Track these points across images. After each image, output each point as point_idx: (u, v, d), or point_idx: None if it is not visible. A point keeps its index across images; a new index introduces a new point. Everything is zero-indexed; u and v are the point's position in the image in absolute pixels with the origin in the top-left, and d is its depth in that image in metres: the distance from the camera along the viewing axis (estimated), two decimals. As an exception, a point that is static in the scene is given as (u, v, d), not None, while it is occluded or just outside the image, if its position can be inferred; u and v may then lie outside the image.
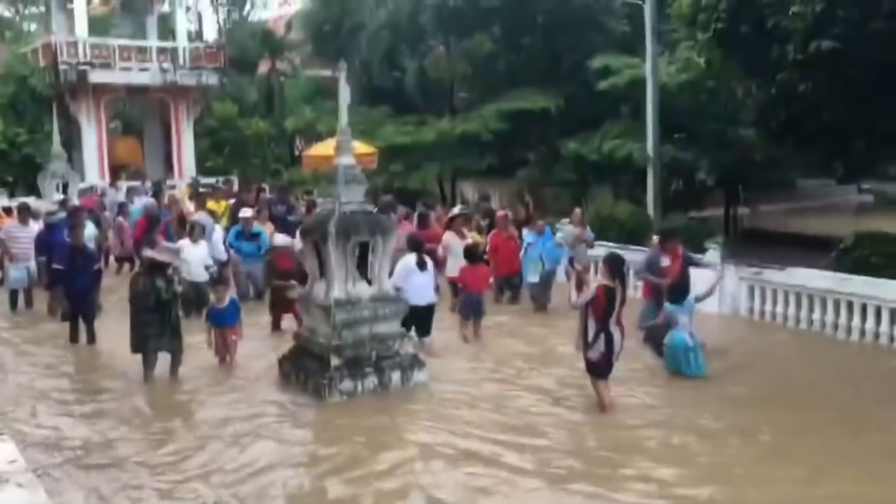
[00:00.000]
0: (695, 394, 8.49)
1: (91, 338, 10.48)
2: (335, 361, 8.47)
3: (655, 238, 10.60)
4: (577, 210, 14.08)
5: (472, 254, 11.26)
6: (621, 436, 7.42)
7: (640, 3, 18.91)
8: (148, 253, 9.51)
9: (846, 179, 28.75)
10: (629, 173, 20.06)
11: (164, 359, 9.00)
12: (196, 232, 12.00)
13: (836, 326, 10.84)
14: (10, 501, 2.56)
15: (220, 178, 25.74)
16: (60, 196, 18.32)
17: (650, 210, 18.22)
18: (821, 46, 11.63)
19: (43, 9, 37.97)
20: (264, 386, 8.90)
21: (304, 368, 8.75)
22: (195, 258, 11.65)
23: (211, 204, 16.23)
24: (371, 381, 8.55)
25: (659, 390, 8.64)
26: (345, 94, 9.35)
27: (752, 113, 16.99)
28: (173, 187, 22.17)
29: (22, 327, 11.83)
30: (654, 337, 9.49)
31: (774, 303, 11.63)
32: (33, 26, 47.42)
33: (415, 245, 10.41)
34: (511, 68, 26.37)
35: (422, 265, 9.98)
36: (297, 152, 36.69)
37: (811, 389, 8.71)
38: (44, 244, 12.11)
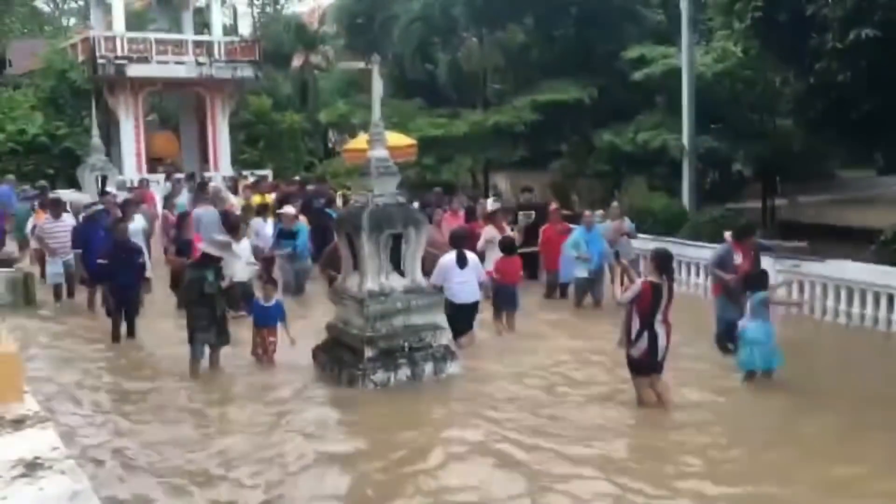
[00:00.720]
0: (747, 394, 8.31)
1: (131, 332, 10.45)
2: (369, 353, 8.53)
3: (728, 234, 10.13)
4: (615, 203, 13.78)
5: (507, 246, 11.13)
6: (660, 435, 7.31)
7: (675, -9, 18.68)
8: (202, 246, 9.56)
9: (887, 170, 28.13)
10: (664, 164, 19.83)
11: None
12: (240, 231, 11.63)
13: (875, 320, 10.65)
14: (53, 488, 2.61)
15: (248, 172, 25.87)
16: (111, 190, 18.30)
17: (685, 201, 18.02)
18: (861, 34, 11.41)
19: (81, 3, 38.58)
20: (300, 377, 8.98)
21: (338, 359, 8.82)
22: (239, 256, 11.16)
23: (257, 198, 16.13)
24: (404, 372, 8.59)
25: (712, 391, 8.40)
26: (378, 86, 9.37)
27: (790, 103, 16.73)
28: (210, 180, 22.21)
29: (61, 322, 11.83)
30: (724, 336, 9.34)
31: (813, 295, 11.45)
32: (72, 21, 48.25)
33: (456, 241, 10.19)
34: (544, 59, 26.21)
35: (461, 262, 9.77)
36: (330, 145, 36.93)
37: (860, 385, 8.50)
38: (80, 237, 12.09)
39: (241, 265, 10.95)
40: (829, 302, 11.20)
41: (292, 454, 6.77)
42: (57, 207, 13.23)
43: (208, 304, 8.82)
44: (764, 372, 8.37)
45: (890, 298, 10.45)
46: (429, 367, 8.74)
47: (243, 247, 11.40)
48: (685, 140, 18.09)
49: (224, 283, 9.03)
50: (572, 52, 25.23)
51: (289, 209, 13.58)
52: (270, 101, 31.41)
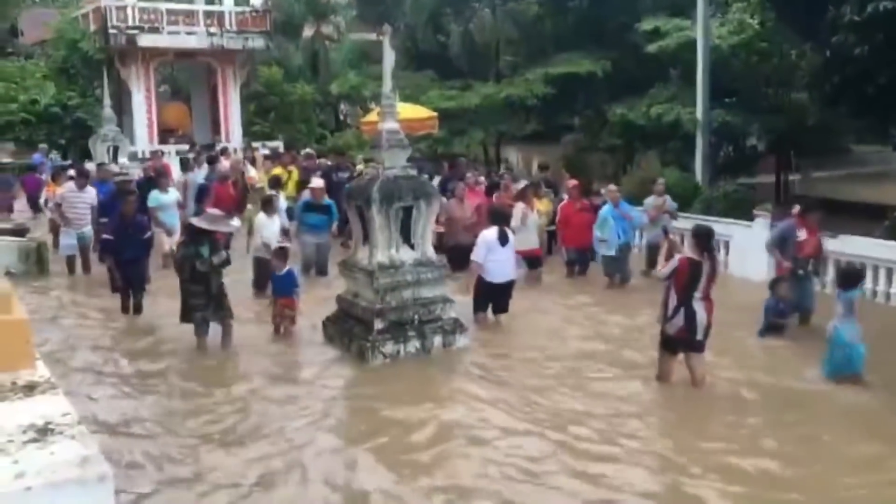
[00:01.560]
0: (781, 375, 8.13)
1: (138, 308, 10.33)
2: (378, 325, 8.57)
3: (796, 208, 9.78)
4: (660, 180, 13.48)
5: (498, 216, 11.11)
6: (683, 416, 7.24)
7: (691, -37, 18.40)
8: (192, 220, 9.36)
9: (904, 146, 27.80)
10: (677, 138, 19.66)
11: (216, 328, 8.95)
12: (271, 206, 11.20)
13: (887, 296, 10.60)
14: (63, 453, 2.64)
15: (258, 144, 25.83)
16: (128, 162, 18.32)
17: (698, 176, 17.90)
18: (879, 7, 11.26)
19: (93, -27, 38.33)
20: (308, 348, 9.04)
21: (348, 331, 8.86)
22: (271, 234, 10.81)
23: (277, 170, 15.85)
24: (413, 344, 8.64)
25: (748, 368, 8.24)
26: (389, 58, 9.30)
27: (806, 76, 16.58)
28: (233, 150, 21.90)
29: (73, 292, 11.85)
30: (767, 309, 9.27)
31: (826, 272, 11.38)
32: (84, -9, 47.96)
33: (498, 217, 10.00)
34: (557, 32, 25.95)
35: (503, 239, 9.64)
36: (341, 117, 36.82)
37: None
38: (107, 210, 11.83)
39: (271, 242, 10.58)
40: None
41: (294, 428, 6.83)
42: (83, 178, 13.18)
43: (203, 281, 8.66)
44: (853, 375, 7.77)
45: (838, 268, 10.39)
46: (438, 340, 8.78)
47: (275, 223, 11.09)
48: (699, 114, 17.92)
49: (218, 259, 8.76)
50: (586, 24, 24.96)
51: (317, 181, 13.23)
52: (281, 72, 31.30)
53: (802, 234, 9.35)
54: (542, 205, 13.24)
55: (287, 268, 9.64)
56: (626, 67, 22.79)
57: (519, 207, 11.99)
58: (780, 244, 9.49)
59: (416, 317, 8.78)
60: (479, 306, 9.81)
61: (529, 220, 11.95)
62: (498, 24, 26.34)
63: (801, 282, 9.43)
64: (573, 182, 13.39)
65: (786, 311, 9.34)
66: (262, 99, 30.64)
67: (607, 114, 22.13)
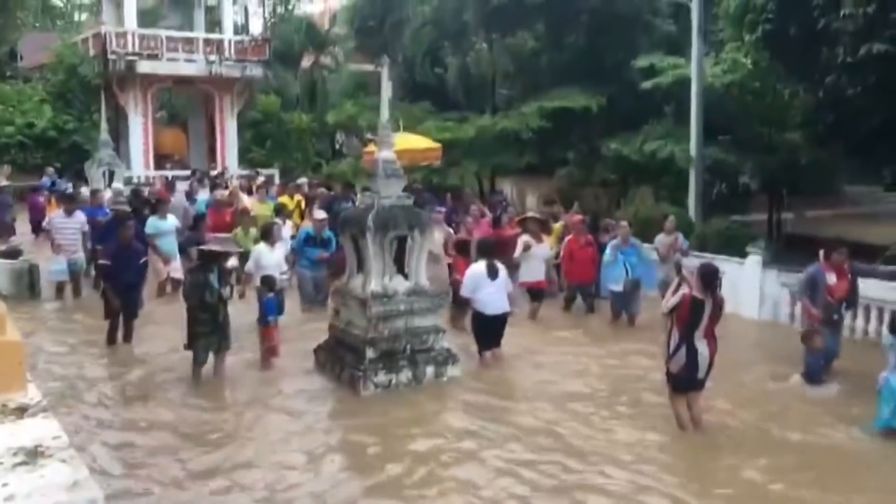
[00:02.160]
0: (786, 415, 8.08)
1: (128, 334, 10.09)
2: (370, 354, 8.53)
3: (822, 252, 9.34)
4: (671, 217, 13.22)
5: (462, 248, 11.10)
6: (684, 458, 7.10)
7: (686, 2, 18.68)
8: (203, 246, 9.15)
9: (894, 186, 28.05)
10: (671, 175, 19.78)
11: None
12: (273, 235, 10.71)
13: (879, 333, 10.60)
14: (53, 476, 2.62)
15: (252, 171, 25.89)
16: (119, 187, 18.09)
17: (691, 212, 17.99)
18: (872, 49, 11.40)
19: (94, -1, 38.71)
20: (300, 377, 8.98)
21: (340, 360, 8.82)
22: (272, 264, 10.34)
23: (283, 199, 15.50)
24: (405, 374, 8.60)
25: (761, 410, 8.14)
26: (387, 89, 9.42)
27: (799, 116, 16.74)
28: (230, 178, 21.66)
29: (63, 317, 11.68)
30: (813, 367, 8.98)
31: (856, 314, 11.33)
32: (84, 16, 48.41)
33: (485, 250, 9.90)
34: (553, 66, 26.21)
35: (493, 273, 9.47)
36: (337, 146, 36.98)
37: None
38: (103, 234, 11.64)
39: (273, 272, 10.14)
40: (835, 315, 11.12)
41: (284, 458, 6.79)
42: (70, 203, 12.91)
43: (210, 310, 8.57)
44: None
45: (893, 314, 10.40)
46: (430, 370, 8.74)
47: (278, 253, 10.69)
48: (693, 151, 18.06)
49: (226, 294, 8.69)
50: (582, 59, 25.23)
51: (319, 213, 12.68)
52: (279, 101, 31.49)
53: (832, 279, 9.08)
54: (551, 239, 13.00)
55: (270, 295, 9.40)
56: (620, 103, 22.99)
57: (521, 239, 11.83)
58: (810, 290, 9.16)
59: (409, 346, 8.75)
60: (482, 344, 9.59)
61: (532, 252, 11.71)
62: (494, 58, 26.63)
63: (835, 327, 9.20)
64: (578, 217, 13.21)
65: (825, 362, 9.08)
66: (259, 126, 30.79)
67: (602, 148, 22.27)
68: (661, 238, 12.53)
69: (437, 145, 20.71)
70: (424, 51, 28.79)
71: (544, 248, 12.12)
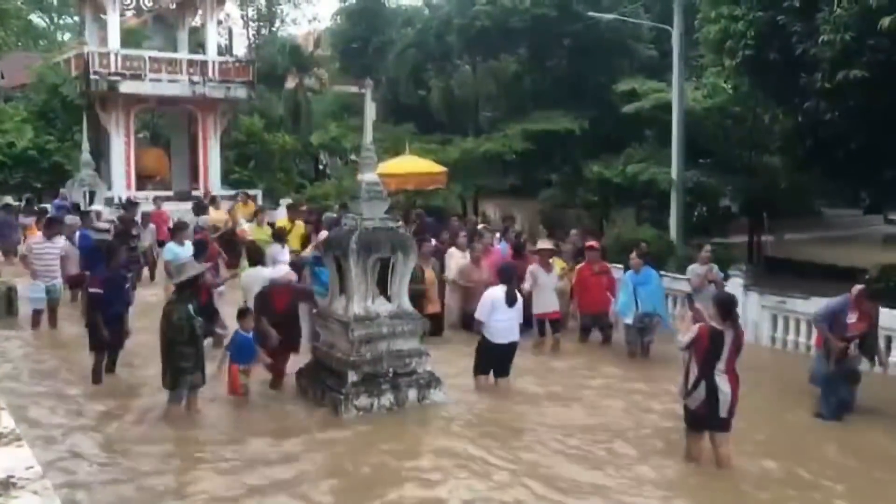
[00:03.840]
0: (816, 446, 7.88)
1: (112, 366, 9.55)
2: (352, 377, 8.46)
3: (855, 289, 8.94)
4: (707, 247, 12.71)
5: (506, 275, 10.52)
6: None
7: (667, 28, 18.91)
8: (174, 281, 8.62)
9: (873, 209, 28.38)
10: (652, 197, 19.96)
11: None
12: (262, 259, 10.53)
13: (859, 358, 10.65)
14: (25, 508, 2.56)
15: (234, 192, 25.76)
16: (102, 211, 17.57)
17: (673, 234, 18.11)
18: (849, 75, 11.56)
19: (77, 19, 38.65)
20: (281, 401, 8.89)
21: (322, 383, 8.74)
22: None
23: (282, 222, 15.15)
24: (387, 398, 8.52)
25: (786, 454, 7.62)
26: (370, 110, 9.38)
27: (778, 140, 16.93)
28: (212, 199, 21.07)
29: (41, 344, 11.11)
30: (830, 394, 8.64)
31: (798, 332, 11.48)
32: (67, 36, 48.31)
33: (508, 277, 9.44)
34: (536, 89, 26.48)
35: (511, 300, 9.15)
36: (321, 167, 37.00)
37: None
38: (91, 261, 11.20)
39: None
40: (814, 339, 11.20)
41: (264, 482, 6.69)
42: (51, 227, 12.12)
43: (195, 343, 8.09)
44: None
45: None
46: (412, 394, 8.67)
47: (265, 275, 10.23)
48: (674, 174, 18.22)
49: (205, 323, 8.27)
50: (564, 83, 25.50)
51: (324, 234, 11.87)
52: (263, 122, 31.47)
53: (853, 318, 8.67)
54: (559, 265, 12.34)
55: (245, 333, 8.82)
56: (603, 126, 23.22)
57: (531, 268, 11.32)
58: (827, 321, 8.82)
59: (391, 370, 8.69)
60: (479, 368, 9.31)
61: (542, 281, 11.21)
62: (478, 81, 26.84)
63: (853, 376, 8.83)
64: (592, 243, 12.49)
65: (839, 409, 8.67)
66: (243, 147, 30.73)
67: (584, 171, 22.43)
68: (694, 268, 11.83)
69: (443, 169, 20.64)
70: (408, 73, 28.96)
71: (553, 278, 11.52)
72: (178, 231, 12.52)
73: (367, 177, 9.11)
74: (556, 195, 24.76)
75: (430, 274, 11.69)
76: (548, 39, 25.47)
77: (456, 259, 12.53)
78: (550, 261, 11.57)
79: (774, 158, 19.73)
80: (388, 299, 8.91)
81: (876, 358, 9.20)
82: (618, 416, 8.59)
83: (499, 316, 9.12)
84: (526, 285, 10.96)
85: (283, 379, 9.23)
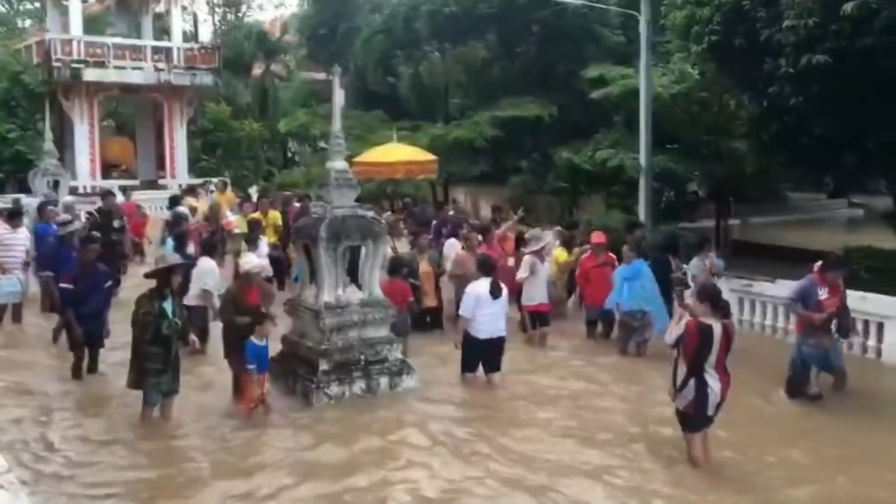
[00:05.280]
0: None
1: (93, 365, 9.21)
2: (324, 366, 8.45)
3: (816, 265, 8.87)
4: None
5: (393, 268, 10.02)
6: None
7: (635, 14, 18.98)
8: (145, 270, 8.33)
9: (837, 193, 28.93)
10: (621, 183, 20.08)
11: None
12: (214, 249, 10.24)
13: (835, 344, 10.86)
14: (-8, 502, 2.53)
15: (202, 180, 25.51)
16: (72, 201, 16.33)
17: (641, 220, 18.24)
18: (813, 60, 11.69)
19: (38, 5, 37.89)
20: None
21: (293, 372, 8.72)
22: (215, 282, 9.85)
23: (255, 215, 14.49)
24: (359, 385, 8.53)
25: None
26: (339, 97, 9.35)
27: (745, 125, 17.09)
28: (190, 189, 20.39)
29: (16, 352, 10.41)
30: (799, 379, 8.56)
31: (764, 315, 11.63)
32: (28, 23, 47.30)
33: (487, 268, 9.16)
34: (505, 76, 26.47)
35: (495, 293, 8.86)
36: (290, 155, 36.74)
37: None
38: (52, 258, 10.73)
39: (217, 287, 9.78)
40: (780, 321, 11.39)
41: (241, 471, 6.69)
42: (15, 217, 11.61)
43: (164, 344, 7.55)
44: None
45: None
46: (384, 381, 8.68)
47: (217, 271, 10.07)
48: (642, 160, 18.32)
49: (181, 323, 7.71)
50: (533, 69, 25.52)
51: None
52: (229, 109, 31.16)
53: (824, 293, 8.59)
54: (562, 256, 12.10)
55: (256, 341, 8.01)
56: (572, 112, 23.29)
57: (527, 258, 10.91)
58: (801, 302, 8.74)
59: (363, 357, 8.69)
60: (466, 365, 9.01)
61: (536, 273, 10.78)
62: (447, 68, 26.77)
63: (822, 342, 8.68)
64: (598, 235, 11.91)
65: (807, 370, 8.65)
66: (209, 135, 30.43)
67: (553, 157, 22.51)
68: (695, 262, 10.95)
69: (433, 157, 20.05)
70: (376, 59, 28.79)
71: (546, 269, 11.21)
72: (174, 225, 12.33)
73: (337, 164, 9.07)
74: (525, 181, 24.82)
75: (425, 267, 11.29)
76: (516, 26, 25.46)
77: (457, 251, 12.10)
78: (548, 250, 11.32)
79: (740, 144, 19.92)
80: (359, 287, 8.90)
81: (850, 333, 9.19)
82: (601, 412, 8.28)
83: (484, 310, 8.80)
84: (522, 274, 10.74)
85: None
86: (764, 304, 11.62)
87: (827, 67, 11.64)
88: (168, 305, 7.59)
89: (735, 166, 20.16)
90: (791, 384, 8.70)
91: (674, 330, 6.73)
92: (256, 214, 14.68)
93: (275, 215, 14.86)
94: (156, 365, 7.53)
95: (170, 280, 7.71)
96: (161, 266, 7.99)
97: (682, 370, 6.59)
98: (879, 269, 12.25)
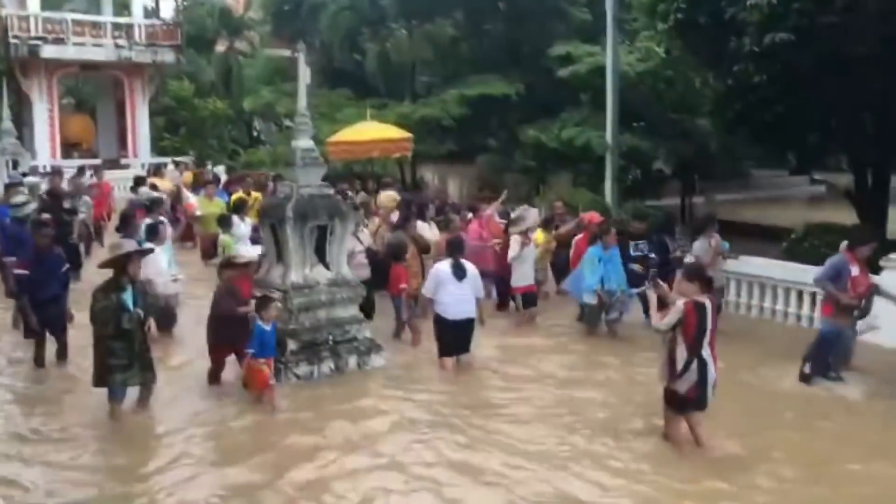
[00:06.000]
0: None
1: (61, 354, 8.91)
2: (292, 345, 8.44)
3: (844, 243, 8.57)
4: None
5: (398, 253, 9.96)
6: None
7: (601, -9, 19.00)
8: (100, 258, 7.82)
9: (799, 171, 29.29)
10: (588, 161, 20.18)
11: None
12: (157, 236, 9.82)
13: (785, 315, 11.08)
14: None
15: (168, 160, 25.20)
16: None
17: (608, 198, 18.38)
18: (776, 38, 11.78)
19: (-8, -20, 36.85)
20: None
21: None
22: (157, 270, 9.52)
23: (239, 195, 14.65)
24: (327, 365, 8.53)
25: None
26: (304, 75, 9.28)
27: (709, 104, 17.21)
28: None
29: None
30: (818, 360, 8.35)
31: (728, 292, 11.79)
32: (-18, -2, 46.03)
33: (453, 248, 9.10)
34: (473, 54, 26.37)
35: (459, 272, 8.76)
36: (255, 133, 36.31)
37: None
38: (12, 242, 10.37)
39: (160, 273, 9.57)
40: (743, 297, 11.58)
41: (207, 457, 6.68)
42: None
43: (126, 338, 7.12)
44: None
45: (799, 294, 10.87)
46: (353, 360, 8.70)
47: (161, 258, 9.73)
48: (609, 138, 18.43)
49: (140, 313, 7.27)
50: (501, 47, 25.46)
51: None
52: (192, 87, 30.70)
53: (855, 270, 8.29)
54: (541, 237, 11.84)
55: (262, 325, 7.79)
56: (539, 91, 23.30)
57: (516, 239, 10.83)
58: (834, 282, 8.36)
59: (331, 337, 8.68)
60: (442, 349, 8.87)
61: (527, 253, 10.82)
62: (414, 45, 26.57)
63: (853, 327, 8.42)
64: (594, 215, 11.94)
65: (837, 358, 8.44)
66: (172, 113, 29.99)
67: (520, 135, 22.53)
68: (700, 244, 10.35)
69: (408, 135, 19.72)
70: (342, 37, 28.47)
71: (532, 249, 11.14)
72: (154, 206, 11.80)
73: (303, 143, 9.00)
74: (493, 160, 24.84)
75: (413, 249, 10.85)
76: (483, 3, 25.36)
77: (426, 233, 11.84)
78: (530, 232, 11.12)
79: (705, 122, 20.09)
80: (327, 267, 8.87)
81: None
82: (575, 393, 8.20)
83: (448, 290, 8.72)
84: (511, 253, 10.69)
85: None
86: (728, 279, 11.75)
87: (790, 45, 11.75)
88: (128, 296, 7.15)
89: (700, 144, 20.35)
90: (815, 366, 8.40)
91: (669, 315, 6.48)
92: (240, 195, 14.55)
93: (256, 196, 14.77)
94: (120, 361, 7.13)
95: (127, 269, 7.22)
96: (116, 254, 7.33)
97: (683, 353, 6.42)
98: (839, 245, 12.44)
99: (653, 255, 10.79)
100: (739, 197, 27.08)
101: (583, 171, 20.75)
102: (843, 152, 17.81)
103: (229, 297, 8.19)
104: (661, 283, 7.22)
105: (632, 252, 10.77)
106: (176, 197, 15.99)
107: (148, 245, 8.94)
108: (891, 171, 14.76)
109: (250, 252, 9.93)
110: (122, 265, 7.23)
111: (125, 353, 7.14)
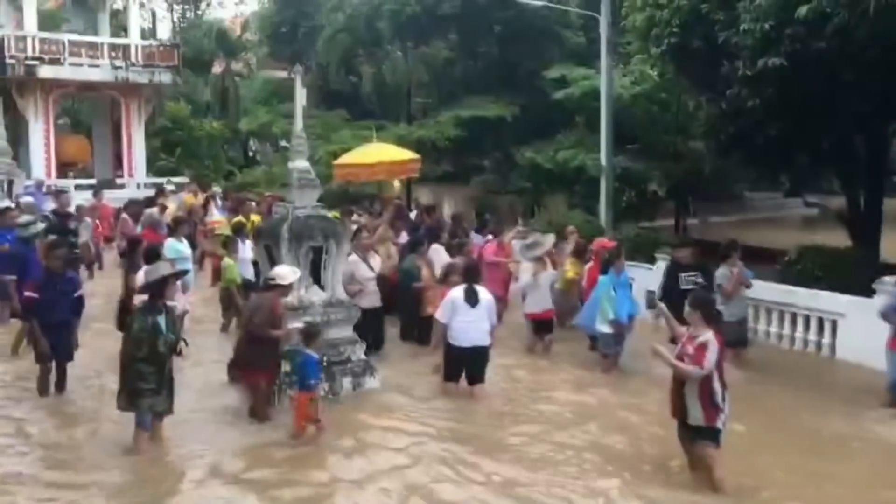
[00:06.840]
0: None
1: (60, 384, 8.56)
2: (286, 367, 8.40)
3: None
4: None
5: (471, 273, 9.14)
6: None
7: (595, 15, 19.16)
8: (141, 279, 7.69)
9: (792, 193, 29.49)
10: (582, 182, 20.29)
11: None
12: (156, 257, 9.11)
13: (780, 337, 11.09)
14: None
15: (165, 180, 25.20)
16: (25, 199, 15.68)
17: (602, 219, 18.44)
18: (769, 63, 11.89)
19: (-10, 1, 37.00)
20: (214, 391, 8.76)
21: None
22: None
23: (239, 218, 14.42)
24: (322, 386, 8.49)
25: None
26: (301, 96, 9.29)
27: (703, 126, 17.31)
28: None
29: None
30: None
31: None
32: (-21, 18, 46.19)
33: (468, 274, 8.90)
34: (468, 76, 26.58)
35: (472, 299, 8.57)
36: (251, 154, 36.41)
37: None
38: (16, 261, 10.28)
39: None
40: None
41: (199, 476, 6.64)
42: None
43: (157, 361, 6.95)
44: None
45: (793, 317, 10.90)
46: (347, 382, 8.68)
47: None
48: (603, 159, 18.51)
49: (176, 338, 7.11)
50: (495, 69, 25.66)
51: None
52: (189, 108, 30.79)
53: None
54: (573, 270, 11.48)
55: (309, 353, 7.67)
56: (534, 112, 23.48)
57: (528, 265, 10.74)
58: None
59: (326, 358, 8.64)
60: (448, 374, 8.70)
61: (542, 279, 10.62)
62: (409, 67, 26.77)
63: None
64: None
65: None
66: (169, 134, 30.02)
67: (516, 157, 22.65)
68: (722, 271, 10.03)
69: (415, 156, 19.39)
70: (339, 59, 28.69)
71: (550, 274, 10.88)
72: (179, 225, 11.89)
73: (299, 164, 9.04)
74: (488, 181, 24.98)
75: (427, 273, 10.81)
76: (478, 26, 25.57)
77: (442, 256, 11.47)
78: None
79: (699, 144, 20.22)
80: (322, 288, 8.87)
81: None
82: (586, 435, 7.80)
83: (460, 317, 8.50)
84: (525, 279, 10.62)
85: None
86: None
87: (782, 70, 11.86)
88: (162, 320, 6.98)
89: (693, 166, 20.48)
90: None
91: (704, 354, 6.12)
92: (239, 218, 14.49)
93: (256, 219, 14.67)
94: (149, 385, 6.93)
95: (164, 292, 7.12)
96: (154, 278, 7.18)
97: (717, 387, 6.18)
98: (832, 268, 12.52)
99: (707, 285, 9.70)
100: (733, 219, 27.20)
101: (577, 192, 20.84)
102: (833, 175, 17.92)
103: (266, 319, 7.89)
104: (661, 304, 7.04)
105: (682, 285, 9.63)
106: (198, 214, 15.69)
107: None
108: (883, 194, 14.84)
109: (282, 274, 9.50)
110: (160, 288, 7.11)
111: (154, 378, 6.96)
